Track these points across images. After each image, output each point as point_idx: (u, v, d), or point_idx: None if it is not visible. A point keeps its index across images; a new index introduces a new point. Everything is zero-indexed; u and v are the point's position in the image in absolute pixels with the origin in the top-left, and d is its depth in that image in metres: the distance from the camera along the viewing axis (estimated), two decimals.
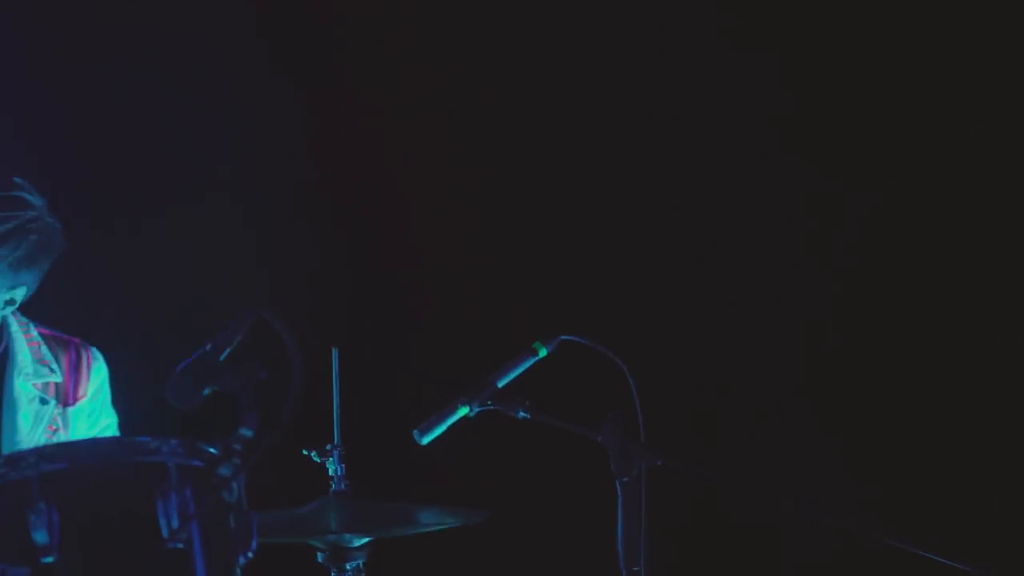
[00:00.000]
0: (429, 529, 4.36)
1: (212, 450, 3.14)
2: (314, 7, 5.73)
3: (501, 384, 4.03)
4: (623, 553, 3.74)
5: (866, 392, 5.67)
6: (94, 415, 4.40)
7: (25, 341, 4.32)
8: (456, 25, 5.75)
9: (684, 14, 5.71)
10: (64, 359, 4.37)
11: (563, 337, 4.05)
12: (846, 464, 5.57)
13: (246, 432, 3.06)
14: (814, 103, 5.69)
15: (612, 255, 5.74)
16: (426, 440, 4.01)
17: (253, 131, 5.58)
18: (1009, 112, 5.63)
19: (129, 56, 5.49)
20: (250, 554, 3.20)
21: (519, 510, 5.10)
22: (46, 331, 4.40)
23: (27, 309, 4.34)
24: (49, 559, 3.02)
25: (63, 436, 4.28)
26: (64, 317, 4.46)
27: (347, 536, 4.29)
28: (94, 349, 4.44)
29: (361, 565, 4.34)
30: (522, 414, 3.99)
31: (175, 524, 3.06)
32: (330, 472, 4.33)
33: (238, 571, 3.20)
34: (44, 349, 4.34)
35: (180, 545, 3.05)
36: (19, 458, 3.09)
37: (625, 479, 3.77)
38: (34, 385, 4.29)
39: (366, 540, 4.33)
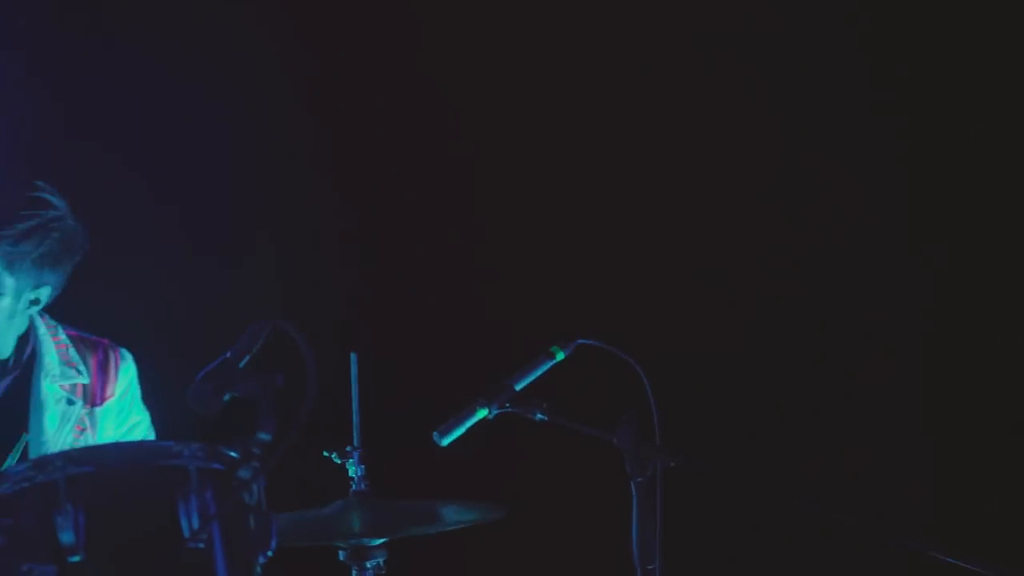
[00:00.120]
0: (449, 527, 4.38)
1: (232, 454, 3.21)
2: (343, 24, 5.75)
3: (519, 387, 4.06)
4: (638, 552, 3.77)
5: (876, 394, 5.69)
6: (123, 413, 4.42)
7: (53, 344, 4.33)
8: (487, 30, 5.75)
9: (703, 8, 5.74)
10: (92, 360, 4.38)
11: (581, 341, 4.09)
12: (863, 466, 5.60)
13: (265, 436, 3.13)
14: (814, 103, 5.70)
15: (629, 259, 5.75)
16: (446, 442, 4.05)
17: (277, 136, 5.62)
18: None
19: (154, 58, 5.52)
20: (269, 553, 3.27)
21: (536, 510, 5.11)
22: (74, 333, 4.40)
23: (56, 312, 4.36)
24: (75, 558, 3.09)
25: (90, 436, 4.31)
26: (93, 320, 4.48)
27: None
28: (123, 349, 4.45)
29: (381, 563, 4.38)
30: (539, 416, 4.03)
31: (196, 525, 3.12)
32: (350, 473, 4.37)
33: (258, 569, 3.27)
34: (72, 351, 4.35)
35: (201, 545, 3.12)
36: (46, 462, 3.15)
37: (640, 479, 3.80)
38: (61, 386, 4.30)
39: (386, 539, 4.38)
